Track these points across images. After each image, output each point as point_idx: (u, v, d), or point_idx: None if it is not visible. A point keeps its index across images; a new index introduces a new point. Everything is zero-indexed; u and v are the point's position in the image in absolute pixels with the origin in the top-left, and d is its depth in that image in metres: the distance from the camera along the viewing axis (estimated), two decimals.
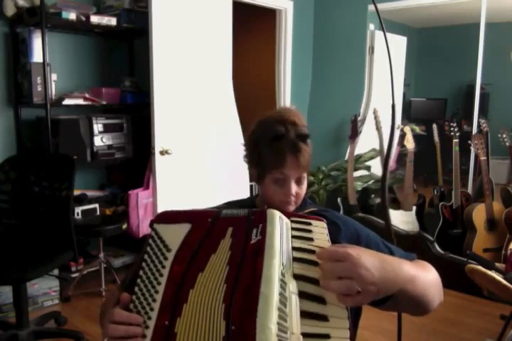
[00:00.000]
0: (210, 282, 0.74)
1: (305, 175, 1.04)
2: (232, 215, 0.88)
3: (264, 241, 0.77)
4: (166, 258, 0.79)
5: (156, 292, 0.75)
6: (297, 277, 0.76)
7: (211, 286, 0.73)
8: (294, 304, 0.71)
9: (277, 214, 0.83)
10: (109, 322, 0.75)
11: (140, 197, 2.86)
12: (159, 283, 0.76)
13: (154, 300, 0.74)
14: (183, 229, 0.84)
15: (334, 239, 0.91)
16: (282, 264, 0.74)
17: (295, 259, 0.79)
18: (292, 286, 0.73)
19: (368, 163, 3.75)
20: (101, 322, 0.92)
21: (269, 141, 1.00)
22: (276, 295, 0.68)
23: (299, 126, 1.02)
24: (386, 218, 1.60)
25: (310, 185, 3.77)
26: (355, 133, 3.62)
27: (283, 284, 0.71)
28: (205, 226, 0.85)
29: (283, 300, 0.70)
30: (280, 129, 1.00)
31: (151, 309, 0.73)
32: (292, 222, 0.87)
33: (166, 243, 0.82)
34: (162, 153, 2.72)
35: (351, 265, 0.71)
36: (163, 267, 0.78)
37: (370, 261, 0.74)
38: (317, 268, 0.77)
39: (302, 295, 0.74)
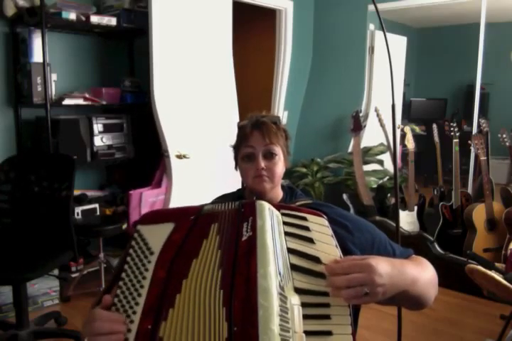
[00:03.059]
0: (202, 287, 0.72)
1: (276, 150, 1.05)
2: (214, 210, 0.84)
3: (255, 238, 0.73)
4: (149, 262, 0.77)
5: (139, 295, 0.73)
6: (300, 291, 0.73)
7: (204, 291, 0.71)
8: (297, 312, 0.71)
9: (266, 205, 0.79)
10: (90, 321, 0.74)
11: (145, 196, 2.85)
12: (142, 287, 0.74)
13: (137, 304, 0.73)
14: (165, 229, 0.80)
15: (342, 243, 0.83)
16: (279, 274, 0.71)
17: (294, 268, 0.74)
18: (294, 300, 0.71)
19: (379, 157, 3.63)
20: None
21: (238, 128, 1.09)
22: (277, 306, 0.67)
23: (269, 115, 1.10)
24: (397, 223, 1.64)
25: (302, 176, 3.73)
26: (358, 127, 3.54)
27: (283, 298, 0.69)
28: (187, 225, 0.81)
29: (284, 310, 0.69)
30: (247, 119, 1.09)
31: (134, 312, 0.72)
32: (284, 215, 0.80)
33: (149, 245, 0.79)
34: (180, 157, 2.74)
35: (369, 275, 0.73)
36: (146, 270, 0.76)
37: (383, 267, 0.76)
38: (323, 281, 0.74)
39: (306, 305, 0.72)
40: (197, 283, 0.73)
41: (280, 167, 1.06)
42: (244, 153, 1.05)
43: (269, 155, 1.04)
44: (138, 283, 0.75)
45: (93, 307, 0.78)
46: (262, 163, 1.03)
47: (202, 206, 0.87)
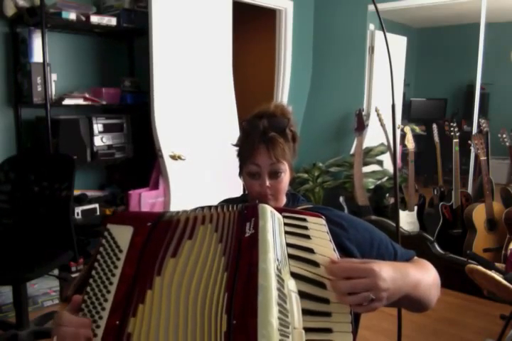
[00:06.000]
0: (193, 283, 0.72)
1: (282, 168, 1.02)
2: (174, 216, 0.84)
3: (257, 235, 0.75)
4: (118, 259, 0.79)
5: (108, 292, 0.75)
6: (296, 276, 0.75)
7: (196, 287, 0.72)
8: (295, 302, 0.71)
9: (269, 208, 0.81)
10: (56, 324, 0.74)
11: (144, 196, 2.85)
12: (111, 283, 0.76)
13: (106, 300, 0.74)
14: (128, 231, 0.83)
15: (338, 241, 0.87)
16: (277, 259, 0.73)
17: (290, 256, 0.77)
18: (291, 284, 0.73)
19: (379, 158, 3.63)
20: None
21: (245, 134, 1.04)
22: (275, 289, 0.68)
23: (277, 118, 1.03)
24: (397, 223, 1.64)
25: (303, 182, 3.72)
26: (362, 126, 3.53)
27: (280, 280, 0.71)
28: (145, 229, 0.83)
29: (282, 297, 0.69)
30: (254, 122, 1.03)
31: (103, 309, 0.73)
32: (285, 217, 0.84)
33: (117, 243, 0.81)
34: (174, 157, 2.74)
35: (372, 280, 0.73)
36: (116, 267, 0.77)
37: (387, 271, 0.75)
38: (317, 269, 0.76)
39: (304, 295, 0.73)
40: (183, 280, 0.73)
41: (285, 182, 1.05)
42: (250, 170, 1.03)
43: (275, 174, 1.03)
44: (107, 280, 0.76)
45: (63, 307, 0.78)
46: (267, 182, 1.02)
47: (165, 212, 0.87)
